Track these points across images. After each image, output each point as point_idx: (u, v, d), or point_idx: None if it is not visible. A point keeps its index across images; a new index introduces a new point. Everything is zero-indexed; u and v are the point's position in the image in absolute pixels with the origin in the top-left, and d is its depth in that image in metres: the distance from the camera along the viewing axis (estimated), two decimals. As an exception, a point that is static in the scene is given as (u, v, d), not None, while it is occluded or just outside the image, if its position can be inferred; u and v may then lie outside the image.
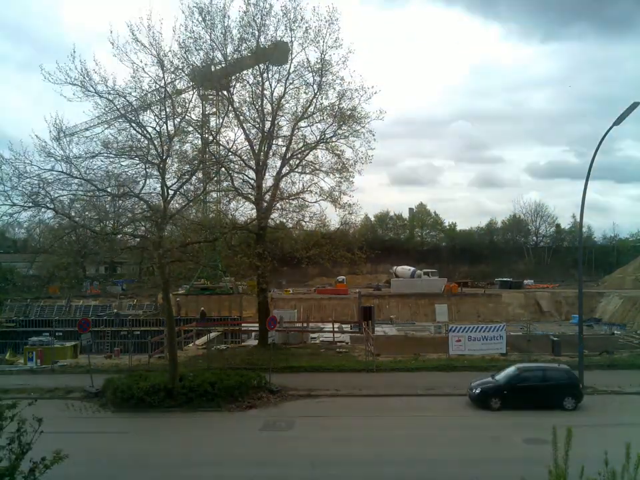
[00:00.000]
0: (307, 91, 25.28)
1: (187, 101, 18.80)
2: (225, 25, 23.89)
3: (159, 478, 11.29)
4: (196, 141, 22.37)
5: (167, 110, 16.90)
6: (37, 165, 15.94)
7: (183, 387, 16.47)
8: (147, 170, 17.71)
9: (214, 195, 26.02)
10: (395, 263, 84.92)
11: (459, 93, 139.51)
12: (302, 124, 25.81)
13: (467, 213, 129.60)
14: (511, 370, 16.68)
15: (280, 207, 26.40)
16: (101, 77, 16.36)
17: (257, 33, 23.97)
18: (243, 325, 37.15)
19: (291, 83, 25.33)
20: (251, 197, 25.72)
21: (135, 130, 17.30)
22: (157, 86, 17.11)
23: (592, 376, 18.69)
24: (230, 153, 23.83)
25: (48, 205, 16.43)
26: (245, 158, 25.88)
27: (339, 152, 25.60)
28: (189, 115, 18.43)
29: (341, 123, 25.00)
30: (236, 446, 12.96)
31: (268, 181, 26.52)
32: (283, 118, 26.43)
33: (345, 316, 45.56)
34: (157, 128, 17.18)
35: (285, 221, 27.25)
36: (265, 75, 25.03)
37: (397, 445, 12.76)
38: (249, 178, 26.29)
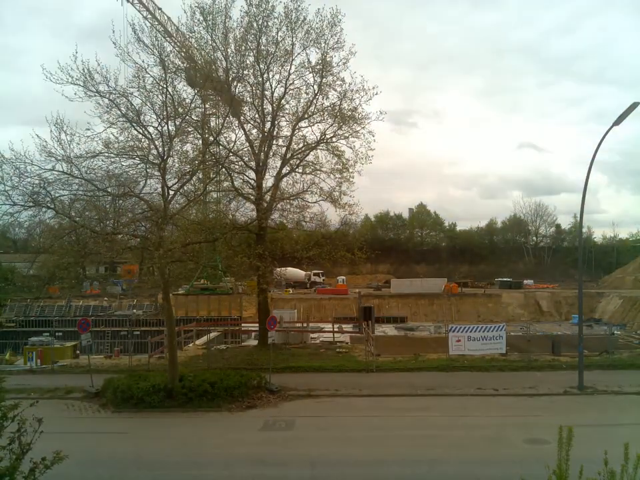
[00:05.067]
0: (307, 91, 25.33)
1: (187, 101, 18.81)
2: (227, 25, 23.96)
3: (159, 478, 11.28)
4: (197, 142, 22.41)
5: (168, 110, 16.90)
6: (38, 164, 15.95)
7: (183, 387, 16.47)
8: (148, 170, 17.72)
9: (214, 195, 26.05)
10: (395, 263, 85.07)
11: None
12: (302, 124, 25.86)
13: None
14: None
15: (280, 207, 26.44)
16: (103, 76, 16.36)
17: (258, 33, 24.01)
18: (243, 324, 37.17)
19: (291, 84, 25.37)
20: (251, 197, 25.75)
21: (136, 130, 17.31)
22: (159, 86, 17.09)
23: (592, 376, 18.71)
24: (230, 154, 23.86)
25: (48, 204, 16.42)
26: (246, 158, 25.93)
27: (339, 152, 25.64)
28: (189, 115, 18.40)
29: (341, 124, 25.02)
30: (236, 446, 12.96)
31: (268, 181, 26.61)
32: (283, 118, 26.48)
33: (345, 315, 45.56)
34: (159, 128, 17.20)
35: (285, 221, 27.28)
36: (265, 75, 25.08)
37: (397, 444, 12.77)
38: (249, 178, 26.33)
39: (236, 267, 24.65)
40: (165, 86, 16.93)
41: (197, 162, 18.80)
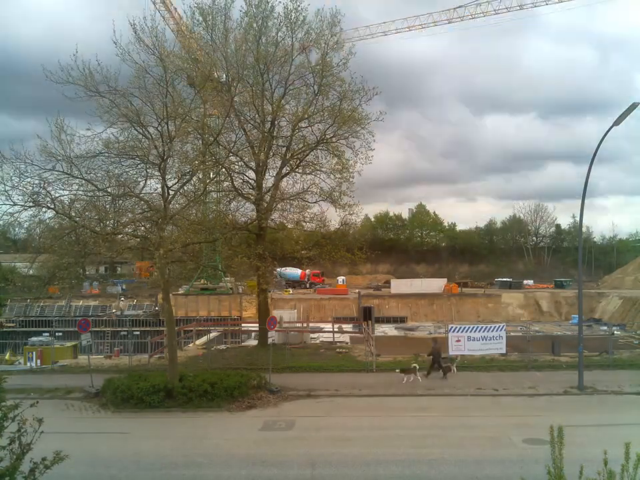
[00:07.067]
0: (307, 92, 25.32)
1: (187, 101, 18.79)
2: (226, 26, 23.95)
3: (159, 478, 11.29)
4: (197, 142, 22.42)
5: (168, 110, 16.89)
6: (38, 164, 15.95)
7: (183, 387, 16.47)
8: (148, 170, 17.72)
9: (214, 195, 26.05)
10: (395, 263, 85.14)
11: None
12: (302, 124, 25.83)
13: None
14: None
15: (280, 207, 26.45)
16: (103, 76, 16.34)
17: (257, 34, 24.01)
18: (243, 324, 37.19)
19: (291, 84, 25.36)
20: (251, 197, 25.75)
21: (137, 130, 17.29)
22: (160, 87, 17.08)
23: (592, 376, 18.72)
24: (230, 154, 23.86)
25: (48, 204, 16.42)
26: (246, 159, 25.93)
27: (339, 152, 25.64)
28: (189, 115, 18.40)
29: (341, 124, 25.01)
30: (236, 446, 12.96)
31: (268, 182, 26.60)
32: (283, 118, 26.47)
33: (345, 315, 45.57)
34: (159, 128, 17.18)
35: (285, 221, 27.30)
36: (265, 75, 25.07)
37: (397, 444, 12.76)
38: (249, 178, 26.34)
39: (236, 267, 24.67)
40: (165, 86, 16.92)
41: (196, 162, 18.79)
